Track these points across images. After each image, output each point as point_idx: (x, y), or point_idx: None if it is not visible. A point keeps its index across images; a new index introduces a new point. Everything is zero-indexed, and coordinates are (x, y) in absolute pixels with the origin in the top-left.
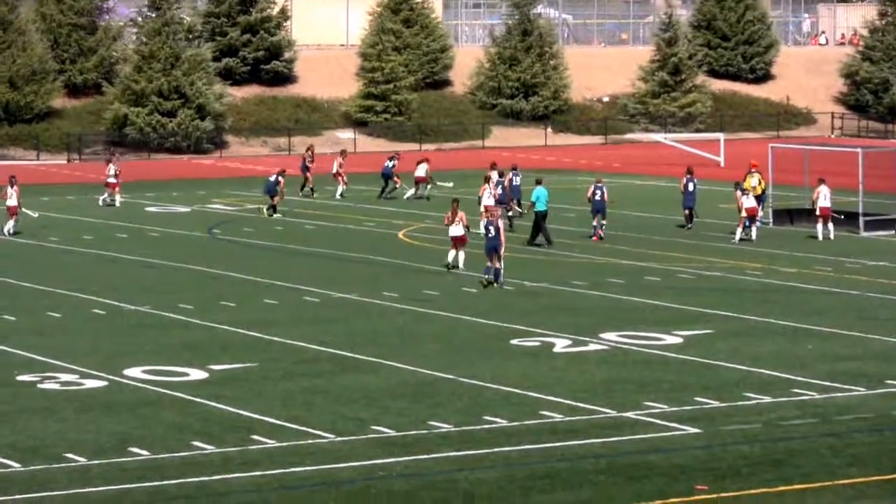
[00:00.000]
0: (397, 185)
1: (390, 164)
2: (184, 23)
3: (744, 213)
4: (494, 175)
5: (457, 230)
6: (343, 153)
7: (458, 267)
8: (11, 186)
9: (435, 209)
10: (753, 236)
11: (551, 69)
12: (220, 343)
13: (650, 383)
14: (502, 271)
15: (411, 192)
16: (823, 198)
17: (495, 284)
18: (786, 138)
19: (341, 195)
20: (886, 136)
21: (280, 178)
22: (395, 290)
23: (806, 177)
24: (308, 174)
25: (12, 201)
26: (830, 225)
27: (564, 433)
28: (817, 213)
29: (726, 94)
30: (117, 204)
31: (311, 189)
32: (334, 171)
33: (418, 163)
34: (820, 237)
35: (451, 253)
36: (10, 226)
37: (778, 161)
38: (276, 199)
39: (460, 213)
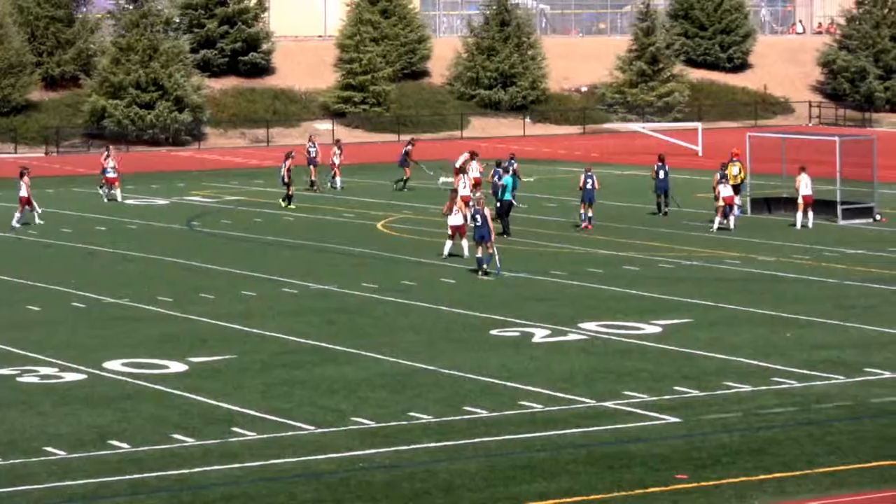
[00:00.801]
0: (407, 176)
1: (408, 149)
2: (161, 15)
3: (721, 202)
4: (474, 164)
5: (456, 219)
6: (338, 143)
7: (461, 256)
8: (21, 178)
9: (416, 199)
10: (731, 225)
11: (529, 59)
12: (200, 335)
13: (629, 373)
14: (497, 256)
15: (443, 178)
16: (805, 186)
17: (490, 273)
18: (763, 127)
19: (341, 187)
20: (864, 125)
21: (288, 163)
22: (373, 281)
23: (783, 165)
24: (314, 167)
25: (23, 192)
26: (811, 214)
27: (544, 423)
28: (799, 201)
29: (704, 83)
30: (119, 198)
31: (312, 182)
32: (337, 162)
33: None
34: (798, 226)
35: (448, 244)
36: (17, 218)
37: (755, 150)
38: (292, 188)
39: (459, 202)
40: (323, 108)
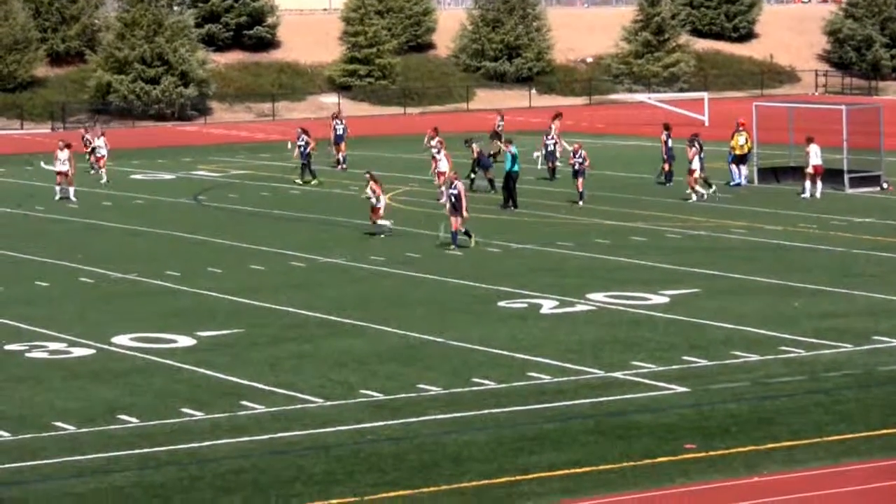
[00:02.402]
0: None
1: (500, 123)
2: None
3: (698, 174)
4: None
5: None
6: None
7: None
8: (62, 150)
9: (422, 172)
10: (694, 197)
11: (534, 31)
12: (208, 310)
13: (637, 343)
14: (462, 232)
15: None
16: (815, 156)
17: (454, 245)
18: (770, 96)
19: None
20: (870, 93)
21: (306, 139)
22: (381, 255)
23: (790, 135)
24: (341, 145)
25: (63, 166)
26: (819, 184)
27: (552, 394)
28: (809, 171)
29: (710, 53)
30: (104, 180)
31: (338, 160)
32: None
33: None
34: (808, 195)
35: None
36: (58, 191)
37: (762, 119)
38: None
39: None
40: (328, 81)
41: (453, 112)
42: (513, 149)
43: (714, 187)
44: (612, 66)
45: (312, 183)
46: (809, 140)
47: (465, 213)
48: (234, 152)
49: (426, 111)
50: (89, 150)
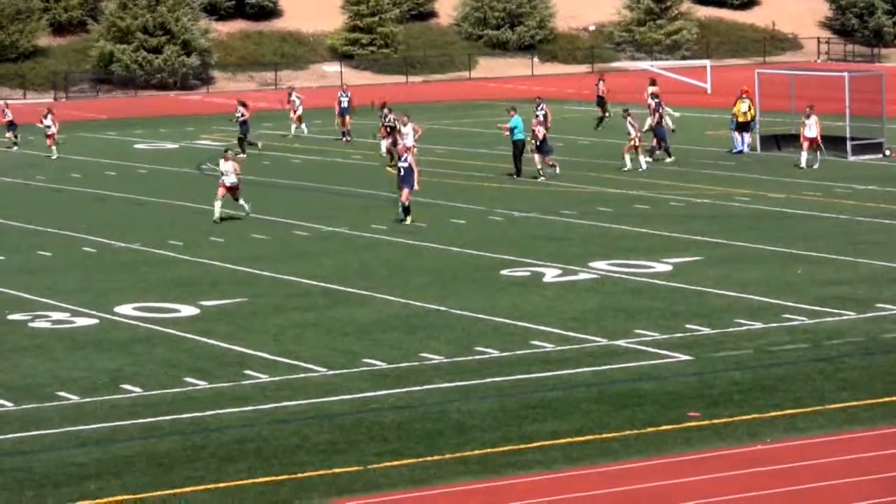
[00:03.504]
0: (608, 115)
1: (602, 87)
2: None
3: (635, 142)
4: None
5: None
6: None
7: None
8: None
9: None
10: (643, 165)
11: None
12: (211, 279)
13: (640, 311)
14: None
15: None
16: (809, 128)
17: (407, 219)
18: (772, 64)
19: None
20: (872, 60)
21: (242, 111)
22: (383, 223)
23: (792, 102)
24: (346, 117)
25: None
26: (817, 154)
27: (556, 362)
28: (801, 141)
29: (712, 20)
30: (55, 156)
31: (343, 133)
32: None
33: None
34: (804, 165)
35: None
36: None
37: (764, 87)
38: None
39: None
40: (331, 50)
41: (455, 81)
42: (515, 119)
43: (673, 157)
44: (615, 33)
45: (242, 156)
46: (810, 110)
47: (416, 185)
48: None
49: (428, 80)
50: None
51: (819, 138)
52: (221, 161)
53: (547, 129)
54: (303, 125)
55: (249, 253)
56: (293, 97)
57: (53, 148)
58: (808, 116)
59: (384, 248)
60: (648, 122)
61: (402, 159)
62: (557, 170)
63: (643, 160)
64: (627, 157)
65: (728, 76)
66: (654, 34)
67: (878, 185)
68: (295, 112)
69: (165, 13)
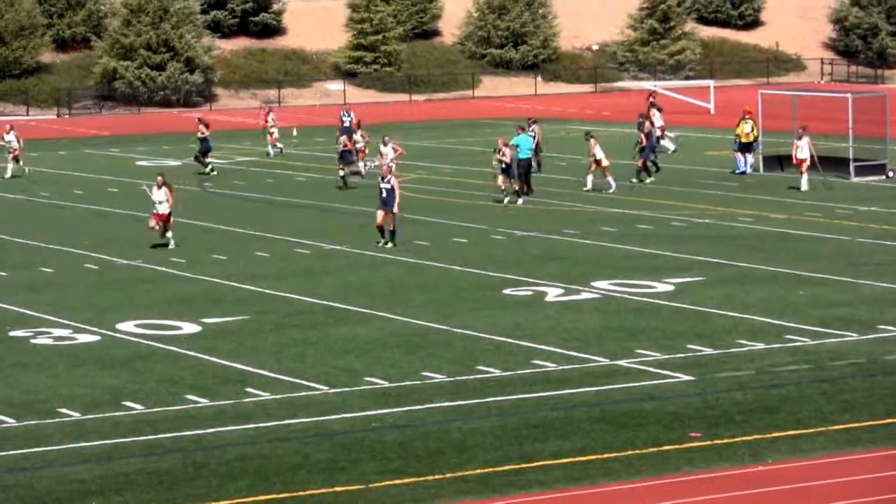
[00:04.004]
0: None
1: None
2: None
3: (601, 163)
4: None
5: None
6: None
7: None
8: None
9: (428, 160)
10: (589, 185)
11: (540, 17)
12: (213, 296)
13: (642, 331)
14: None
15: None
16: (800, 149)
17: (391, 243)
18: (776, 84)
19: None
20: (876, 82)
21: (203, 130)
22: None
23: (795, 123)
24: (347, 136)
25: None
26: (806, 175)
27: (557, 382)
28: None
29: (715, 40)
30: (26, 171)
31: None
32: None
33: None
34: (804, 188)
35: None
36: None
37: (767, 107)
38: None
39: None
40: (334, 68)
41: (459, 99)
42: (519, 138)
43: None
44: (618, 53)
45: (207, 171)
46: (801, 131)
47: (395, 209)
48: (240, 139)
49: (431, 98)
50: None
51: (814, 158)
52: (154, 188)
53: (538, 151)
54: (279, 145)
55: (251, 270)
56: (270, 117)
57: (21, 164)
58: (799, 137)
59: (386, 267)
60: (664, 143)
61: (385, 180)
62: (520, 201)
63: (611, 180)
64: (589, 178)
65: (731, 96)
66: (658, 54)
67: (881, 206)
68: (271, 133)
69: (169, 30)
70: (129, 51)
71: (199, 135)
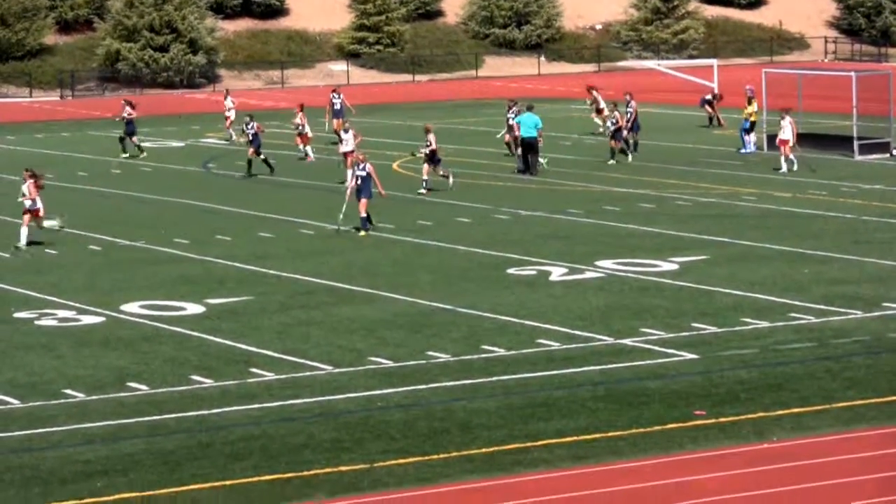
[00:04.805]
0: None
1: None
2: None
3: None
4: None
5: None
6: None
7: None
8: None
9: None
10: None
11: None
12: (217, 277)
13: (647, 310)
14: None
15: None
16: (783, 130)
17: (363, 231)
18: (779, 63)
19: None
20: (879, 60)
21: (129, 111)
22: (390, 221)
23: (800, 102)
24: (339, 120)
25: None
26: (791, 157)
27: (562, 361)
28: (785, 140)
29: (719, 19)
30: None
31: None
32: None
33: None
34: (783, 169)
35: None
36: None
37: (771, 86)
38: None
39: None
40: (337, 49)
41: (462, 80)
42: (521, 116)
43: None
44: (622, 33)
45: (123, 156)
46: (784, 112)
47: (382, 192)
48: (243, 120)
49: (435, 79)
50: None
51: (794, 140)
52: (24, 183)
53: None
54: (231, 131)
55: (255, 251)
56: (228, 101)
57: (133, 143)
58: (782, 118)
59: (390, 247)
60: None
61: (360, 167)
62: (451, 181)
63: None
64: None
65: (735, 76)
66: (661, 33)
67: (885, 185)
68: (227, 117)
69: (172, 11)
70: (132, 32)
71: (125, 115)
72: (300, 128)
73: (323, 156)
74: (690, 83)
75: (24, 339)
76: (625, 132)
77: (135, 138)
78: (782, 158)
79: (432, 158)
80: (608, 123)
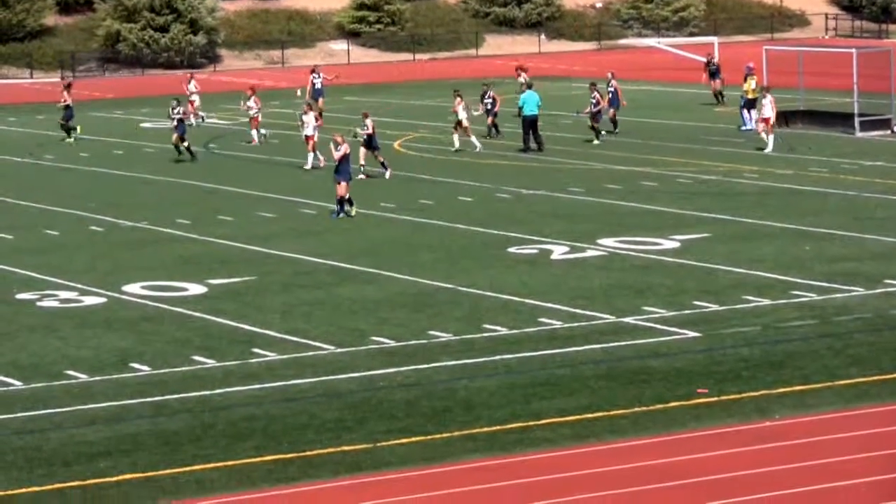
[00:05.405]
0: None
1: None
2: None
3: (462, 124)
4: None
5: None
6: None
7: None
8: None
9: (431, 118)
10: (477, 147)
11: None
12: (219, 257)
13: (648, 288)
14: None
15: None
16: (764, 108)
17: (342, 214)
18: (780, 40)
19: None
20: (880, 36)
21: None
22: (391, 201)
23: (801, 78)
24: (319, 100)
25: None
26: (771, 137)
27: (563, 340)
28: (764, 120)
29: None
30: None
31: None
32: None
33: None
34: (769, 150)
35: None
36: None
37: (772, 63)
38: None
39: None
40: (337, 28)
41: (462, 58)
42: (525, 95)
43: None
44: (622, 10)
45: (69, 141)
46: (764, 90)
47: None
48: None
49: (435, 57)
50: None
51: (774, 119)
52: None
53: (495, 114)
54: (200, 114)
55: (257, 231)
56: (191, 84)
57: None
58: (763, 96)
59: (392, 226)
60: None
61: (337, 149)
62: (388, 173)
63: (475, 140)
64: (455, 137)
65: (736, 53)
66: (662, 11)
67: (886, 161)
68: (191, 101)
69: None
70: (133, 13)
71: (63, 102)
72: (251, 111)
73: (323, 134)
74: (691, 60)
75: (26, 320)
76: (603, 113)
77: (71, 122)
78: (767, 136)
79: (370, 143)
80: (590, 101)
